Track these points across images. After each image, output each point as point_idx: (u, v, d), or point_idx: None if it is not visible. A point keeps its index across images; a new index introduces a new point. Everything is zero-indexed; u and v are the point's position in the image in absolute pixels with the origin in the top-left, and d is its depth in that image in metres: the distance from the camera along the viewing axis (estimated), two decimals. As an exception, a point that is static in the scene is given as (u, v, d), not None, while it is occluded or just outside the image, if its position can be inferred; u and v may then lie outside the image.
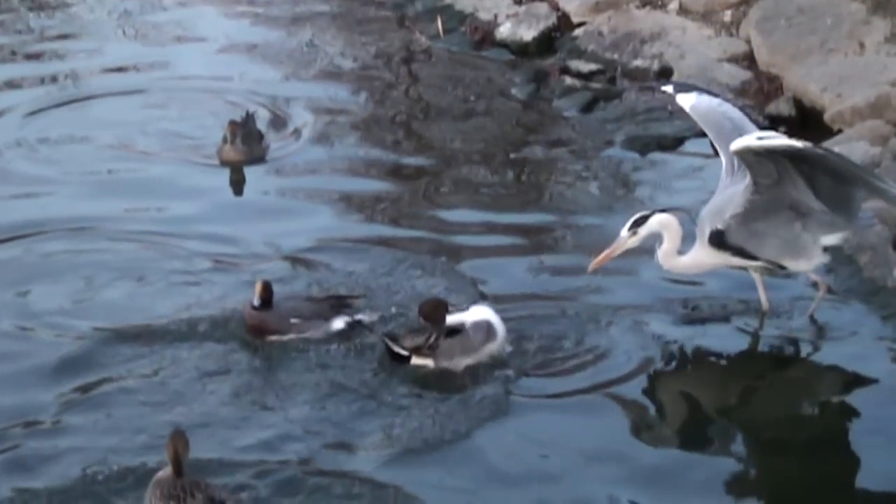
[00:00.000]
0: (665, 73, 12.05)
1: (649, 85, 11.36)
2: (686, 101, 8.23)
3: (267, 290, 7.43)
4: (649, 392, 7.28)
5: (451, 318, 7.31)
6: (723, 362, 7.67)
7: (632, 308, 7.96)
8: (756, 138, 7.24)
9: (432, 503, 6.25)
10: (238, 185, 10.08)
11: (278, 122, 11.31)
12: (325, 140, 11.07)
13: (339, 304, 7.60)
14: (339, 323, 7.53)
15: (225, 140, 10.26)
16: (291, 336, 7.47)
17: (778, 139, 7.21)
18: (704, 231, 7.62)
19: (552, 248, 9.10)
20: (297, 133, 11.16)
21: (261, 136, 10.47)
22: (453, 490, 6.37)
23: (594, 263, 7.65)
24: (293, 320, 7.46)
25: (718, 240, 7.57)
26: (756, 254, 7.59)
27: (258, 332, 7.46)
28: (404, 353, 7.23)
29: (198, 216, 9.39)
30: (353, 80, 12.74)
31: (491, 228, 9.40)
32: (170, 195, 9.77)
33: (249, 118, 10.58)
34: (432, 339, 7.22)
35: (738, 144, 7.28)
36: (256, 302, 7.41)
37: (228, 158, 10.24)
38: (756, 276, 7.88)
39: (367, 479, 6.36)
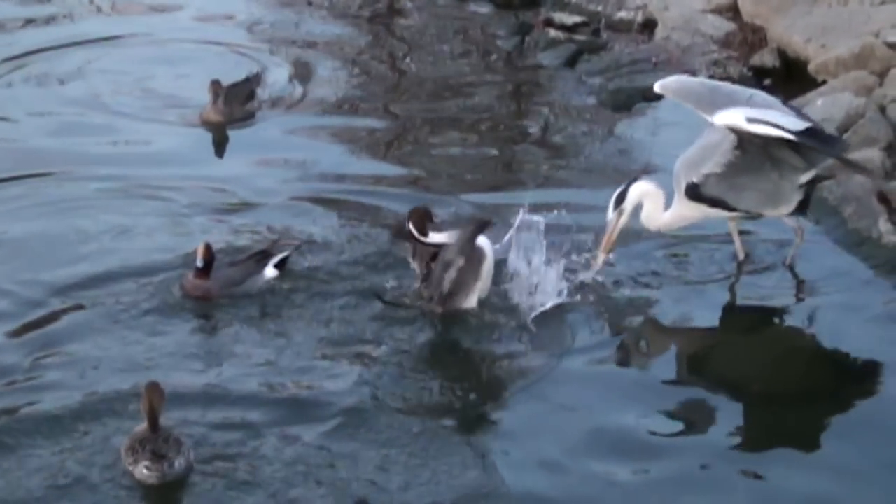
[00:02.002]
0: (649, 25, 12.00)
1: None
2: (656, 85, 8.17)
3: (209, 251, 7.44)
4: (632, 349, 7.30)
5: (438, 237, 7.27)
6: (707, 313, 7.63)
7: (618, 257, 7.90)
8: (745, 119, 7.19)
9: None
10: (219, 145, 10.01)
11: (264, 75, 11.15)
12: (312, 89, 11.07)
13: (263, 258, 7.62)
14: (270, 271, 7.57)
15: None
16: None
17: (766, 126, 7.15)
18: (681, 184, 7.61)
19: (536, 189, 9.10)
20: (283, 84, 11.14)
21: (250, 97, 10.42)
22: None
23: (601, 253, 7.57)
24: (234, 289, 7.47)
25: (694, 192, 7.56)
26: (735, 205, 7.59)
27: (201, 300, 7.46)
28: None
29: (175, 162, 9.44)
30: (337, 32, 12.69)
31: (478, 171, 9.54)
32: (148, 152, 9.76)
33: (251, 79, 10.57)
34: (436, 296, 7.25)
35: (725, 120, 7.25)
36: (200, 263, 7.40)
37: (208, 119, 10.18)
38: (731, 225, 7.88)
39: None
